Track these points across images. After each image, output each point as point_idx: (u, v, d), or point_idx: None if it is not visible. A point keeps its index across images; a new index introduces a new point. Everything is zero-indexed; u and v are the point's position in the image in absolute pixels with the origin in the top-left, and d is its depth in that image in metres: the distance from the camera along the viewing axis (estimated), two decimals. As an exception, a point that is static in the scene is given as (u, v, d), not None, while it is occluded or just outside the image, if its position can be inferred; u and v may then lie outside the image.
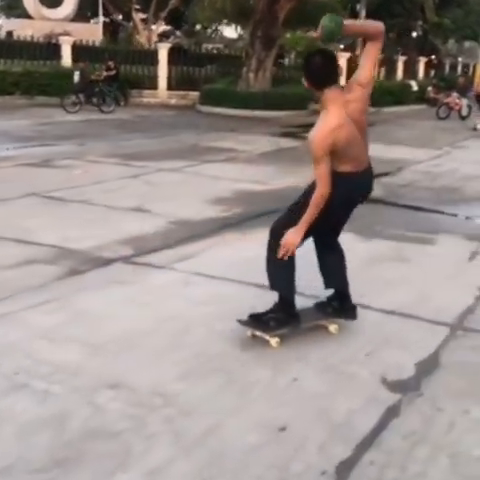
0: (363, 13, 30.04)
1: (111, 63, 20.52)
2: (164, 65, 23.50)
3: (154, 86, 23.30)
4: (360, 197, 3.75)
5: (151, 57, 23.57)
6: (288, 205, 3.82)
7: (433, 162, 12.07)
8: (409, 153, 12.96)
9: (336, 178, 3.44)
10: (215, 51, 30.18)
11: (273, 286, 3.79)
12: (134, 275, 5.06)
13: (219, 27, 46.30)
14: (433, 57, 41.15)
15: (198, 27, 45.95)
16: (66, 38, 23.09)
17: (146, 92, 22.77)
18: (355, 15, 30.89)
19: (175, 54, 24.20)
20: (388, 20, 33.80)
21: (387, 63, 28.60)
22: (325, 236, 3.82)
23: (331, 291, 4.05)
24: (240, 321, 3.87)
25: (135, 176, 9.15)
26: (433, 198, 8.72)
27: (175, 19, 41.18)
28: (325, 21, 3.31)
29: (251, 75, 20.85)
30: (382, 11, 33.02)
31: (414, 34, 39.40)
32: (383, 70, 27.88)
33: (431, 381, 3.51)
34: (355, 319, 4.05)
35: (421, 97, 25.21)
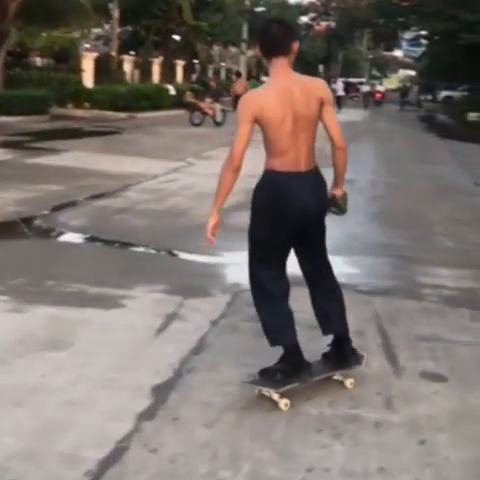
0: (116, 14, 27.97)
1: None
2: None
3: None
4: (297, 210, 3.21)
5: None
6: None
7: (169, 176, 10.51)
8: (146, 166, 11.28)
9: (264, 177, 3.26)
10: None
11: (269, 339, 3.33)
12: None
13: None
14: (196, 61, 40.54)
15: None
16: None
17: None
18: (109, 16, 28.77)
19: None
20: (144, 21, 32.35)
21: (142, 65, 27.05)
22: (310, 275, 3.47)
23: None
24: (244, 381, 3.34)
25: None
26: (153, 228, 7.04)
27: None
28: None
29: (-23, 75, 17.96)
30: (139, 11, 31.42)
31: (178, 37, 38.38)
32: (137, 73, 26.24)
33: None
34: (360, 365, 3.49)
35: (180, 102, 23.97)
